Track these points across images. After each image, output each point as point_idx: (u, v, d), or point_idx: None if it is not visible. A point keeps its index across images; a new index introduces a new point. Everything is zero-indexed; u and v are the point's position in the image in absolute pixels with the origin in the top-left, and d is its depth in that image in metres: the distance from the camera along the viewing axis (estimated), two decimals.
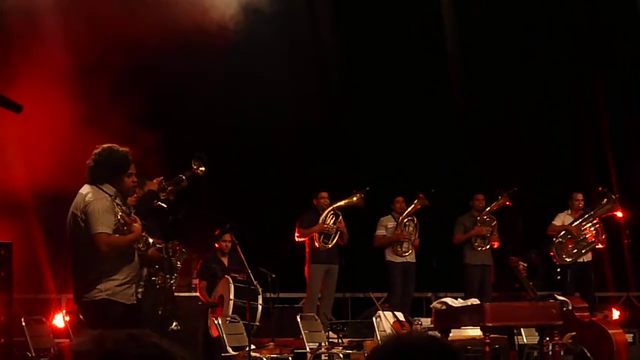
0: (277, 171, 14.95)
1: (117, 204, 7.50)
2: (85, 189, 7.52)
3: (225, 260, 12.67)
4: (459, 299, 12.34)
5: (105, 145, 7.59)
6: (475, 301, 12.00)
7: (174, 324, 8.09)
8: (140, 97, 11.79)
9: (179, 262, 9.69)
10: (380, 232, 14.52)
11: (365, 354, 11.95)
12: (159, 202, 8.74)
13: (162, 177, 8.71)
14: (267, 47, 14.65)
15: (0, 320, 7.33)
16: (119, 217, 7.42)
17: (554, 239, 14.16)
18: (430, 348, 2.08)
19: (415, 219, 14.42)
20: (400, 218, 14.39)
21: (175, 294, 11.68)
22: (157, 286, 8.33)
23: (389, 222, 14.54)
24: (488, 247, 14.55)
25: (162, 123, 12.84)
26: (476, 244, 14.54)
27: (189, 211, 10.24)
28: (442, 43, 17.08)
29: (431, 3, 17.01)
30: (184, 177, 9.17)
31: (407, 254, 14.31)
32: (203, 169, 9.48)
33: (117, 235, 7.42)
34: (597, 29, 17.05)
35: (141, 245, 7.76)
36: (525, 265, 13.34)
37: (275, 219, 14.16)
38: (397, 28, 16.65)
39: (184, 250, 9.82)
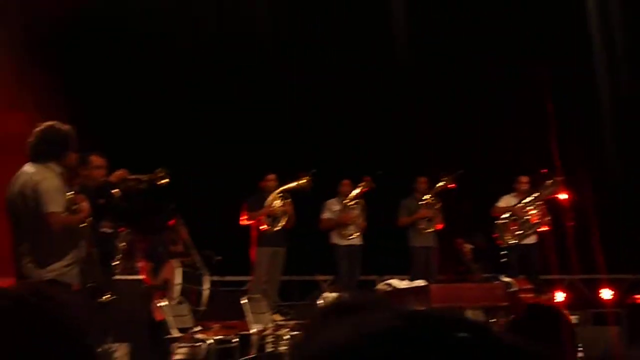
0: (224, 152, 14.87)
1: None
2: (30, 167, 7.43)
3: (172, 247, 12.60)
4: (406, 281, 12.40)
5: (48, 123, 7.53)
6: (421, 283, 12.06)
7: (105, 296, 7.98)
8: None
9: (122, 243, 9.66)
10: (326, 215, 14.52)
11: None
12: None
13: (125, 172, 8.76)
14: None
15: None
16: (68, 196, 7.36)
17: (498, 221, 14.23)
18: None
19: (361, 202, 14.42)
20: (346, 201, 14.39)
21: (119, 276, 11.67)
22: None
23: (334, 205, 14.54)
24: (432, 229, 14.60)
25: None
26: (421, 226, 14.59)
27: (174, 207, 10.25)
28: (388, 20, 17.07)
29: None
30: (143, 181, 9.21)
31: (352, 236, 14.32)
32: (165, 181, 9.50)
33: (68, 214, 7.35)
34: (543, 12, 17.17)
35: (84, 225, 7.68)
36: (471, 247, 13.45)
37: (221, 201, 14.04)
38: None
39: (128, 232, 9.79)
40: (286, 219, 13.59)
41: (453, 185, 14.49)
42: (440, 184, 14.59)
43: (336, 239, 14.38)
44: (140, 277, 12.44)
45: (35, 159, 7.45)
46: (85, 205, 7.53)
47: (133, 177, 9.19)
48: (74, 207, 7.44)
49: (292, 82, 16.14)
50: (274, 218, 13.62)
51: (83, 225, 7.63)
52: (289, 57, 16.44)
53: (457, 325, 1.18)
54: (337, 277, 14.27)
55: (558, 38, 17.37)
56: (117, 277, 11.57)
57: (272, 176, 13.72)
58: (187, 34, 15.18)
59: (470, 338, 1.17)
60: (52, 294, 1.61)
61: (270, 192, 13.63)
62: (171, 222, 12.50)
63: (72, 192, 7.52)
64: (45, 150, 7.43)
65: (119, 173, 8.92)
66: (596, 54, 17.76)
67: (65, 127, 7.53)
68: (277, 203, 13.59)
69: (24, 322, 1.49)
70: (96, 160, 9.18)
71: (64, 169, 7.70)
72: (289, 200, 13.62)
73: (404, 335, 1.16)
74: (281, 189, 13.68)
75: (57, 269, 7.29)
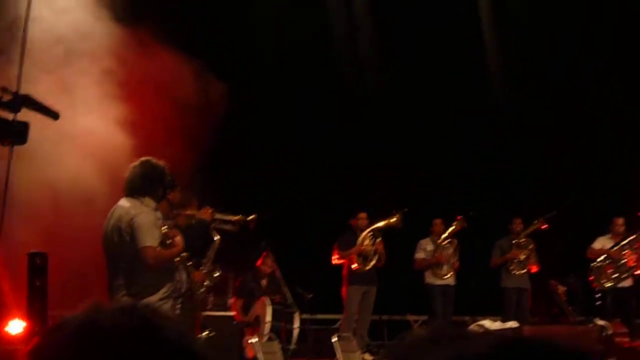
0: (317, 190, 14.92)
1: (159, 218, 7.53)
2: (126, 202, 7.53)
3: (264, 282, 12.67)
4: (497, 322, 12.27)
5: (143, 159, 7.64)
6: (513, 324, 11.91)
7: (205, 332, 8.06)
8: None
9: (208, 281, 9.74)
10: (420, 255, 14.47)
11: None
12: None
13: (213, 209, 8.84)
14: None
15: (35, 330, 7.30)
16: (163, 230, 7.46)
17: (593, 264, 14.00)
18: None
19: (454, 241, 14.35)
20: (439, 240, 14.32)
21: (211, 312, 11.78)
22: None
23: (427, 244, 14.49)
24: (525, 270, 14.42)
25: None
26: (511, 267, 14.43)
27: (272, 213, 10.34)
28: (483, 58, 17.04)
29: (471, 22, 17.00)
30: (235, 222, 9.32)
31: (446, 276, 14.25)
32: (252, 225, 9.62)
33: (162, 249, 7.44)
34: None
35: (177, 259, 7.76)
36: (565, 289, 13.25)
37: (313, 238, 14.09)
38: (435, 47, 16.62)
39: (218, 272, 9.86)
40: (377, 257, 13.56)
41: (546, 226, 14.33)
42: (533, 225, 14.45)
43: (430, 279, 14.31)
44: (232, 313, 12.54)
45: (131, 193, 7.55)
46: (179, 239, 7.60)
47: (220, 217, 9.28)
48: (169, 241, 7.53)
49: (386, 122, 16.16)
50: (365, 257, 13.60)
51: (177, 259, 7.72)
52: (385, 97, 16.49)
53: (553, 353, 1.17)
54: (431, 317, 14.19)
55: None
56: (209, 313, 11.72)
57: (363, 214, 13.72)
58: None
59: None
60: (168, 314, 1.60)
61: (362, 230, 13.64)
62: (261, 258, 12.59)
63: (167, 226, 7.61)
64: (140, 185, 7.53)
65: (208, 211, 8.98)
66: None
67: (161, 162, 7.65)
68: (368, 242, 13.58)
69: (149, 340, 1.47)
70: (195, 201, 9.37)
71: (168, 204, 7.88)
72: (379, 239, 13.60)
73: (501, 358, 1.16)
74: (372, 227, 13.67)
75: (151, 303, 7.34)
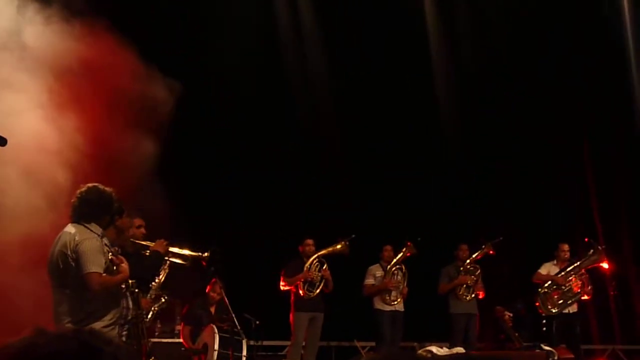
0: (264, 216, 14.90)
1: (105, 244, 7.48)
2: (72, 228, 7.47)
3: (212, 309, 12.61)
4: (444, 348, 12.29)
5: (90, 185, 7.59)
6: (460, 350, 11.95)
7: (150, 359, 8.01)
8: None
9: (155, 307, 9.73)
10: (369, 281, 14.47)
11: None
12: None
13: (167, 242, 8.85)
14: None
15: None
16: (108, 257, 7.40)
17: (540, 289, 14.11)
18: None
19: (403, 267, 14.37)
20: (389, 267, 14.34)
21: (158, 339, 11.68)
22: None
23: (377, 271, 14.49)
24: (473, 296, 14.49)
25: None
26: (460, 293, 14.49)
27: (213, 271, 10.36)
28: (432, 91, 17.17)
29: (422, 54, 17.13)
30: (189, 257, 9.34)
31: (395, 302, 14.26)
32: (204, 263, 9.64)
33: (107, 275, 7.38)
34: (587, 84, 17.15)
35: (124, 286, 7.71)
36: (511, 315, 13.32)
37: (261, 265, 14.06)
38: (386, 75, 16.72)
39: (164, 298, 9.85)
40: (324, 284, 13.55)
41: (492, 252, 14.42)
42: (479, 251, 14.53)
43: (379, 305, 14.31)
44: (179, 340, 12.45)
45: (77, 219, 7.50)
46: (124, 266, 7.54)
47: (175, 250, 9.30)
48: (114, 268, 7.47)
49: (333, 147, 16.20)
50: (311, 283, 13.58)
51: (123, 286, 7.66)
52: (332, 121, 16.54)
53: None
54: (380, 343, 14.18)
55: (600, 108, 17.33)
56: (157, 339, 11.63)
57: (310, 241, 13.70)
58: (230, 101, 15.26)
59: None
60: (110, 338, 1.61)
61: (309, 256, 13.61)
62: (209, 285, 12.54)
63: (112, 253, 7.56)
64: (87, 212, 7.49)
65: (163, 243, 8.98)
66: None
67: (108, 189, 7.60)
68: (314, 268, 13.57)
69: None
70: (137, 220, 9.36)
71: (116, 230, 7.84)
72: (325, 265, 13.60)
73: None
74: (318, 254, 13.65)
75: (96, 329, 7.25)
